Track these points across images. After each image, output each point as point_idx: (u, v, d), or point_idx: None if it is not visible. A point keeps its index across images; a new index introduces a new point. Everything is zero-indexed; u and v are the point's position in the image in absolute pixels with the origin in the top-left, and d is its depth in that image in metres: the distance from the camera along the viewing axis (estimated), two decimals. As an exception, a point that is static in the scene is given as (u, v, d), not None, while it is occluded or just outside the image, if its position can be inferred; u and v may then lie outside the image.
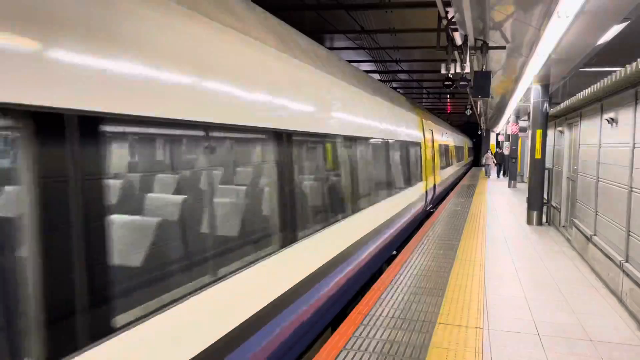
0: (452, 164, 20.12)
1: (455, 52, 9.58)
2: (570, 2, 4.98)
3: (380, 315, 5.07)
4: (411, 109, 10.87)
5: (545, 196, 12.10)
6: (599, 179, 7.13)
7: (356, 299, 6.67)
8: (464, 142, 32.80)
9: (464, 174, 31.76)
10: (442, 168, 15.93)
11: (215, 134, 2.82)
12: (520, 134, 21.95)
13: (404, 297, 5.69)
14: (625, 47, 8.14)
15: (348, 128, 5.52)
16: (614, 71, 5.87)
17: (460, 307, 5.39)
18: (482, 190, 19.33)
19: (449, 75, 10.43)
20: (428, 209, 12.73)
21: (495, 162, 31.03)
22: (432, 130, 13.42)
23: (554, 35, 6.27)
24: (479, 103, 22.01)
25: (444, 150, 17.29)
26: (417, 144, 10.56)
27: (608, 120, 6.57)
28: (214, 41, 2.81)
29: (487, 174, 29.51)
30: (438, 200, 15.44)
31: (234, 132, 3.00)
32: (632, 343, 4.70)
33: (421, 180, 10.84)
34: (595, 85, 6.84)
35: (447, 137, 18.63)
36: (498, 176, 29.24)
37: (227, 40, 2.97)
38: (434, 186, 13.28)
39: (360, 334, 4.55)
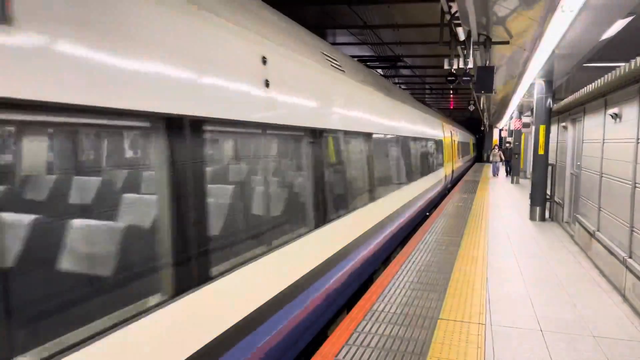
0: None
1: (458, 47, 9.53)
2: (574, -4, 4.94)
3: (382, 310, 5.07)
4: None
5: (548, 192, 12.06)
6: (603, 175, 7.10)
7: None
8: (436, 126, 14.67)
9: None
10: None
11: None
12: (524, 130, 21.87)
13: (406, 292, 5.68)
14: (630, 42, 8.08)
15: None
16: (618, 66, 5.83)
17: (462, 303, 5.39)
18: (484, 187, 19.28)
19: (452, 70, 10.39)
20: None
21: (503, 158, 25.99)
22: None
23: (558, 30, 6.22)
24: (482, 99, 21.93)
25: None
26: None
27: (612, 116, 6.54)
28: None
29: (495, 173, 25.01)
30: None
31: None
32: (635, 339, 4.69)
33: None
34: (599, 80, 6.80)
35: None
36: (507, 174, 24.71)
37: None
38: None
39: (362, 330, 4.55)
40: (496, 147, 27.02)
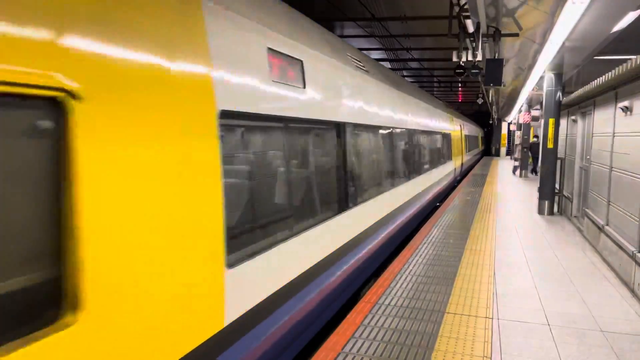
0: None
1: (467, 40, 9.45)
2: (585, -13, 4.88)
3: (388, 304, 5.08)
4: None
5: (557, 186, 11.98)
6: (612, 169, 7.04)
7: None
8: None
9: None
10: None
11: None
12: (533, 123, 21.67)
13: (412, 286, 5.69)
14: (642, 34, 7.96)
15: None
16: (629, 59, 5.76)
17: (469, 296, 5.38)
18: (492, 180, 19.19)
19: (461, 63, 10.31)
20: None
21: (530, 155, 22.56)
22: None
23: (568, 22, 6.15)
24: (490, 92, 21.76)
25: None
26: None
27: (622, 109, 6.46)
28: None
29: (515, 172, 22.17)
30: None
31: None
32: (644, 334, 4.67)
33: None
34: (610, 73, 6.72)
35: None
36: (533, 172, 21.70)
37: None
38: None
39: (368, 323, 4.57)
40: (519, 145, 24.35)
